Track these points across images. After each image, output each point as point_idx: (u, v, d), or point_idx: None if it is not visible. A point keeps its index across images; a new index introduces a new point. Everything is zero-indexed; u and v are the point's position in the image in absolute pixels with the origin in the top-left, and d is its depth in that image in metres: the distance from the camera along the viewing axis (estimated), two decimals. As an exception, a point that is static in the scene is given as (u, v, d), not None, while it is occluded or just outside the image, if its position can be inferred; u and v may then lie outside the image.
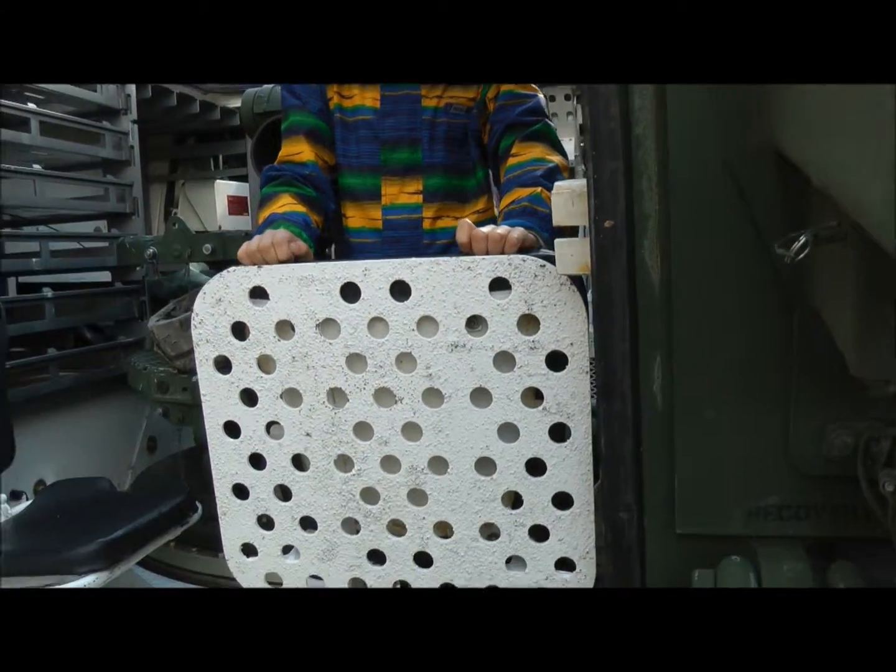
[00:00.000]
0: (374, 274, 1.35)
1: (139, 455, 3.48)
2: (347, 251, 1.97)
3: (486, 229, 1.42)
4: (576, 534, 1.39)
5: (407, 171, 1.90)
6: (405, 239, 1.91)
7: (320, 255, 1.90)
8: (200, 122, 4.21)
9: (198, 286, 2.86)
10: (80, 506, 2.32)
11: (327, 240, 2.02)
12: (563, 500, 1.38)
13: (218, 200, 4.34)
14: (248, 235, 2.64)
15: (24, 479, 2.81)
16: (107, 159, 3.47)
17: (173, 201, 4.60)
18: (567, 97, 3.74)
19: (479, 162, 1.95)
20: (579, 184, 1.17)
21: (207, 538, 2.61)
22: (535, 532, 1.41)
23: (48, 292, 3.03)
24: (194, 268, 3.37)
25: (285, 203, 1.81)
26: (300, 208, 1.80)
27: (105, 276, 3.54)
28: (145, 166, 4.36)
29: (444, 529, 1.45)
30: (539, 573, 1.42)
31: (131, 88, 3.51)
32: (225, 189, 4.41)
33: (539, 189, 1.70)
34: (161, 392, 2.69)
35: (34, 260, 3.08)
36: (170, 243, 2.75)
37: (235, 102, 4.07)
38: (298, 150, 1.93)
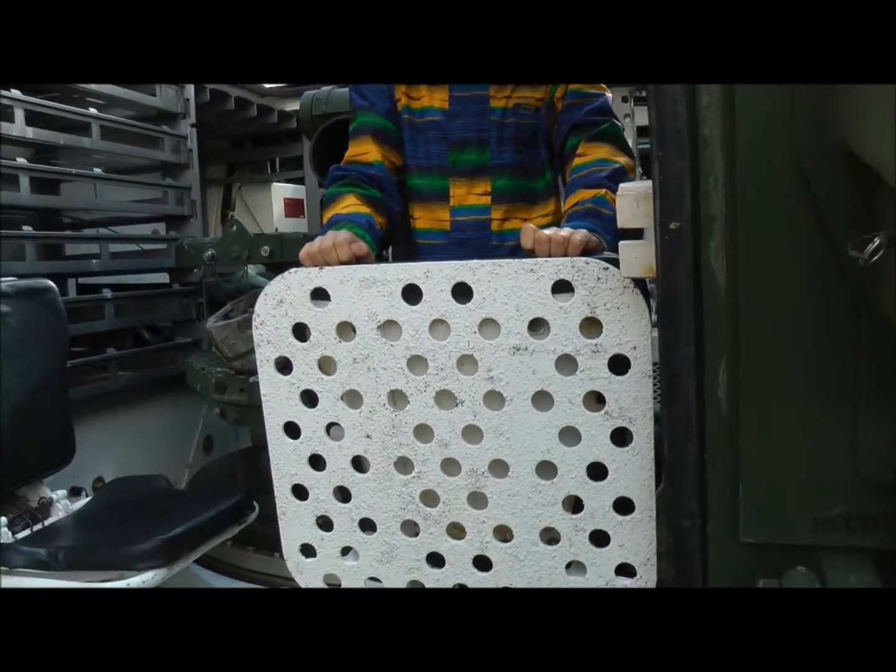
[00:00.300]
0: (436, 276, 1.37)
1: (195, 454, 3.56)
2: (414, 252, 1.99)
3: (548, 231, 1.43)
4: (637, 540, 1.39)
5: (475, 172, 1.92)
6: (473, 240, 1.92)
7: (381, 257, 1.92)
8: (257, 126, 4.28)
9: (255, 288, 2.93)
10: (138, 503, 2.37)
11: (387, 241, 2.04)
12: (624, 506, 1.39)
13: (275, 203, 4.41)
14: (305, 237, 2.69)
15: (84, 476, 2.88)
16: (165, 162, 3.54)
17: (230, 204, 4.67)
18: (624, 99, 3.73)
19: (549, 163, 1.96)
20: (644, 185, 1.18)
21: (264, 538, 2.67)
22: (596, 537, 1.42)
23: (108, 293, 3.10)
24: (252, 270, 3.43)
25: (349, 204, 1.83)
26: (364, 209, 1.82)
27: (163, 278, 3.61)
28: (203, 170, 4.44)
29: (503, 533, 1.47)
30: (599, 579, 1.43)
31: (190, 92, 3.58)
32: (281, 192, 4.48)
33: (603, 191, 1.70)
34: (218, 392, 2.74)
35: (94, 261, 3.16)
36: (228, 245, 2.80)
37: (293, 106, 4.14)
38: (365, 151, 1.95)
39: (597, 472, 1.38)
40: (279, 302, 1.48)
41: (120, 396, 3.21)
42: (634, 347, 1.30)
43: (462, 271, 1.35)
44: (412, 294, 1.40)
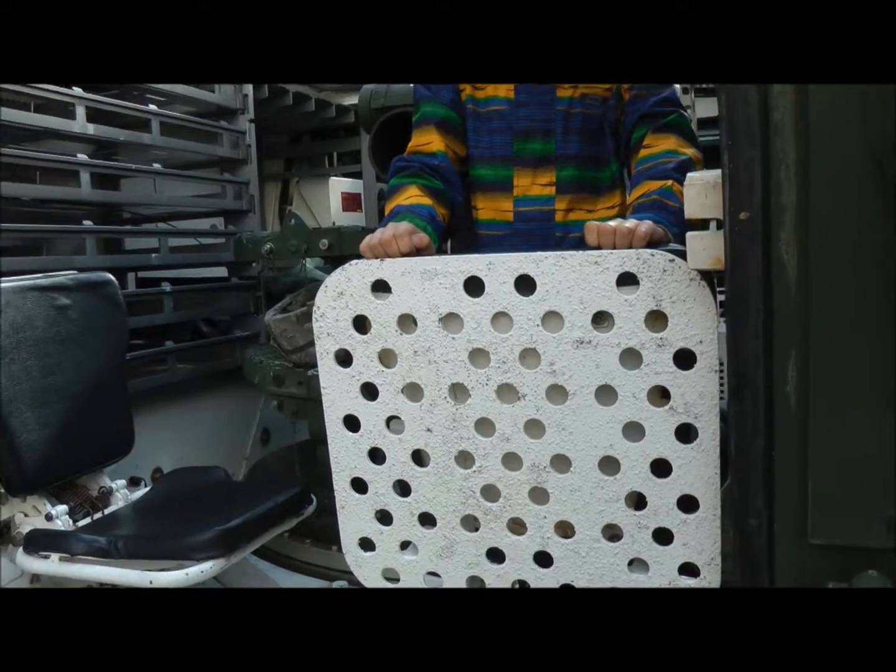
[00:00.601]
0: (499, 268, 1.38)
1: (253, 446, 3.62)
2: (475, 244, 1.99)
3: (613, 223, 1.43)
4: (701, 538, 1.39)
5: (540, 162, 1.92)
6: (536, 232, 1.92)
7: (442, 249, 1.94)
8: (315, 121, 4.33)
9: (313, 282, 2.96)
10: (196, 494, 2.42)
11: (449, 233, 2.05)
12: (688, 503, 1.38)
13: (332, 197, 4.46)
14: (364, 231, 2.72)
15: (143, 467, 2.95)
16: (224, 158, 3.61)
17: (288, 199, 4.73)
18: (685, 90, 3.70)
19: (615, 154, 1.96)
20: (713, 174, 1.18)
21: (321, 530, 2.72)
22: (659, 535, 1.41)
23: (167, 287, 3.17)
24: (310, 263, 3.48)
25: (411, 195, 1.85)
26: (426, 200, 1.84)
27: (221, 272, 3.68)
28: (261, 165, 4.51)
29: (565, 529, 1.47)
30: (662, 577, 1.43)
31: (248, 88, 3.64)
32: (339, 186, 4.52)
33: (670, 182, 1.69)
34: (276, 385, 2.77)
35: (153, 256, 3.23)
36: (286, 239, 2.83)
37: (351, 100, 4.18)
38: (428, 141, 1.97)
39: (661, 468, 1.38)
40: (339, 294, 1.50)
41: (178, 389, 3.28)
42: (700, 341, 1.29)
43: (525, 263, 1.36)
44: (474, 286, 1.41)
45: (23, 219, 2.94)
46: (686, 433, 1.35)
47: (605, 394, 1.37)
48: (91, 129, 2.86)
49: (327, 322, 1.53)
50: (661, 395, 1.35)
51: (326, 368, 1.56)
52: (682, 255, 1.26)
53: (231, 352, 3.54)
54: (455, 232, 2.07)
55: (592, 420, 1.38)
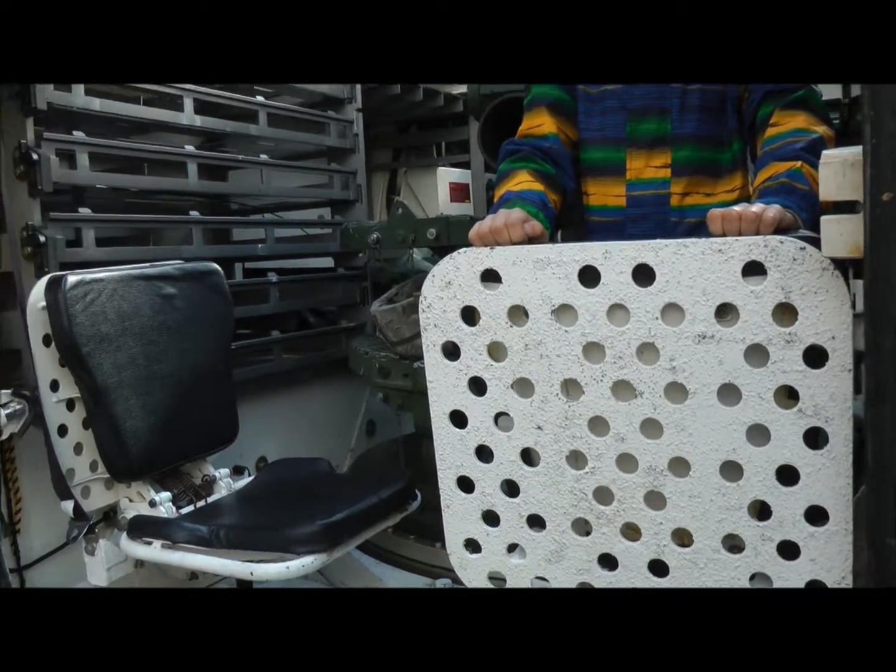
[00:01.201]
0: (616, 257, 1.34)
1: (358, 438, 3.66)
2: (586, 231, 1.96)
3: (738, 208, 1.38)
4: (830, 554, 1.32)
5: (654, 142, 1.88)
6: (651, 216, 1.88)
7: (554, 237, 1.91)
8: (423, 110, 4.34)
9: (420, 272, 2.97)
10: (300, 485, 2.44)
11: (561, 221, 2.01)
12: (817, 515, 1.32)
13: (440, 187, 4.45)
14: (472, 220, 2.71)
15: (248, 456, 3.01)
16: (331, 147, 3.65)
17: (395, 189, 4.76)
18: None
19: (737, 134, 1.89)
20: (852, 151, 1.12)
21: (425, 527, 2.72)
22: (784, 548, 1.35)
23: (273, 277, 3.22)
24: (417, 254, 3.49)
25: (522, 181, 1.83)
26: (538, 186, 1.82)
27: (329, 263, 3.73)
28: (369, 155, 4.55)
29: (682, 537, 1.43)
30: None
31: (357, 77, 3.66)
32: (447, 176, 4.51)
33: (799, 163, 1.62)
34: (382, 377, 2.79)
35: (259, 246, 3.28)
36: (394, 228, 2.84)
37: (459, 88, 4.18)
38: (539, 123, 1.96)
39: (787, 475, 1.32)
40: (447, 284, 1.49)
41: (284, 379, 3.35)
42: (833, 337, 1.23)
43: (644, 252, 1.32)
44: (589, 276, 1.37)
45: (130, 210, 3.04)
46: (815, 438, 1.30)
47: (728, 393, 1.32)
48: (198, 121, 2.93)
49: (434, 313, 1.52)
50: (788, 395, 1.29)
51: (433, 361, 1.55)
52: (815, 242, 1.21)
53: (337, 342, 3.58)
54: (568, 223, 2.04)
55: (714, 421, 1.33)
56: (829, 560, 1.33)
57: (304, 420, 3.50)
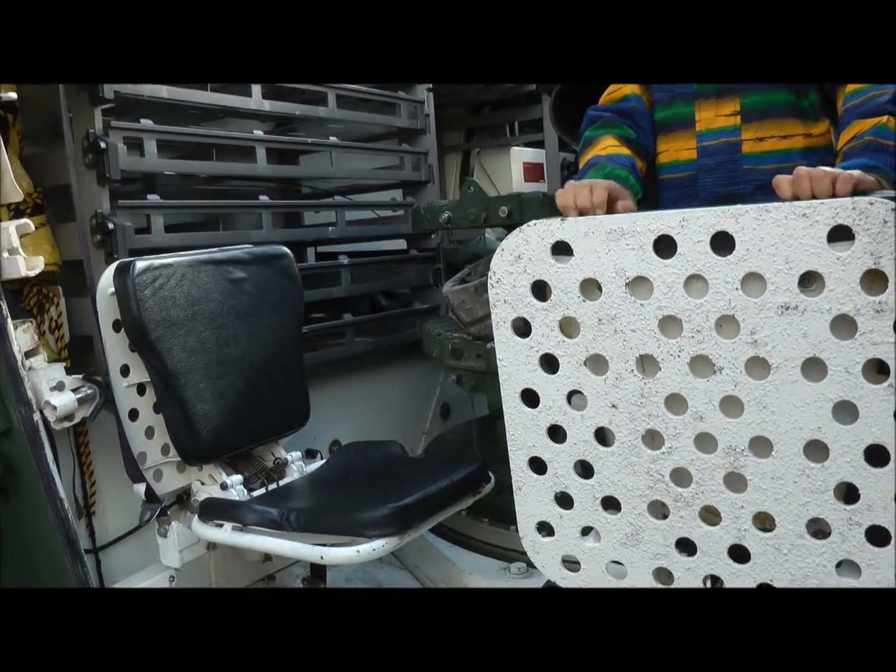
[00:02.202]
0: (693, 225, 1.28)
1: (432, 421, 3.63)
2: (657, 191, 1.96)
3: (805, 168, 1.32)
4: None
5: (721, 91, 1.85)
6: (723, 165, 1.86)
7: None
8: (496, 90, 4.28)
9: (493, 252, 2.92)
10: (372, 468, 2.42)
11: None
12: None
13: (514, 167, 4.41)
14: (545, 196, 2.66)
15: (321, 439, 3.03)
16: (402, 129, 3.62)
17: (469, 170, 4.71)
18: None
19: (816, 84, 1.82)
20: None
21: (499, 509, 2.68)
22: (874, 534, 1.28)
23: (344, 259, 3.21)
24: (490, 234, 3.44)
25: (608, 145, 1.84)
26: (625, 150, 1.83)
27: (402, 245, 3.71)
28: (442, 137, 4.51)
29: (764, 521, 1.36)
30: (876, 584, 1.29)
31: (427, 56, 3.62)
32: (520, 156, 4.46)
33: (885, 118, 1.56)
34: (455, 358, 2.75)
35: (330, 229, 3.27)
36: (465, 207, 2.80)
37: (531, 67, 4.11)
38: (620, 85, 1.97)
39: (877, 456, 1.24)
40: (517, 258, 1.45)
41: (357, 362, 3.34)
42: (928, 306, 1.16)
43: (723, 218, 1.26)
44: (665, 246, 1.32)
45: (199, 196, 3.05)
46: (908, 416, 1.22)
47: (814, 368, 1.25)
48: (267, 105, 2.92)
49: (504, 288, 1.48)
50: (878, 369, 1.22)
51: (503, 339, 1.51)
52: (907, 202, 1.14)
53: (411, 325, 3.55)
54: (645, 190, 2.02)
55: (798, 398, 1.26)
56: (923, 546, 1.26)
57: (378, 403, 3.48)
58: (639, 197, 1.79)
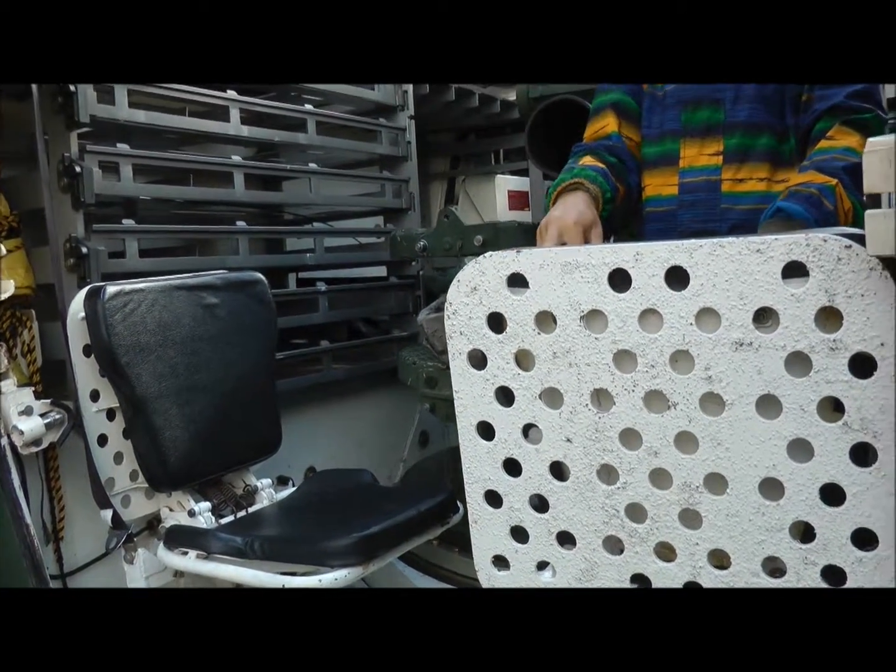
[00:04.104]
0: (648, 258, 1.23)
1: (410, 448, 3.56)
2: (641, 222, 1.99)
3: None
4: (880, 582, 1.19)
5: (708, 131, 1.87)
6: (701, 202, 1.87)
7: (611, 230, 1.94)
8: (480, 117, 4.26)
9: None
10: (341, 497, 2.37)
11: (622, 216, 2.05)
12: (865, 539, 1.18)
13: (498, 195, 4.37)
14: (520, 226, 2.62)
15: (296, 466, 2.96)
16: (383, 156, 3.58)
17: (454, 198, 4.68)
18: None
19: (793, 130, 1.84)
20: (901, 139, 1.01)
21: (470, 539, 2.61)
22: (830, 574, 1.22)
23: (321, 286, 3.16)
24: (469, 262, 3.39)
25: (585, 161, 1.89)
26: (601, 165, 1.87)
27: (382, 272, 3.67)
28: (427, 164, 4.47)
29: (719, 559, 1.30)
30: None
31: (408, 85, 3.60)
32: (505, 184, 4.43)
33: (835, 182, 1.57)
34: (429, 387, 2.70)
35: (308, 255, 3.22)
36: (441, 236, 2.75)
37: (514, 95, 4.09)
38: (604, 124, 2.01)
39: (832, 495, 1.19)
40: (473, 289, 1.39)
41: (336, 388, 3.28)
42: (882, 344, 1.10)
43: (677, 253, 1.21)
44: (620, 280, 1.27)
45: (178, 220, 3.00)
46: (863, 454, 1.16)
47: (768, 405, 1.19)
48: (245, 131, 2.87)
49: (460, 320, 1.42)
50: (833, 407, 1.16)
51: (459, 370, 1.45)
52: (861, 240, 1.09)
53: (389, 352, 3.50)
54: (626, 224, 2.06)
55: (752, 435, 1.21)
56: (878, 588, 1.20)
57: (355, 430, 3.43)
58: (608, 196, 1.83)
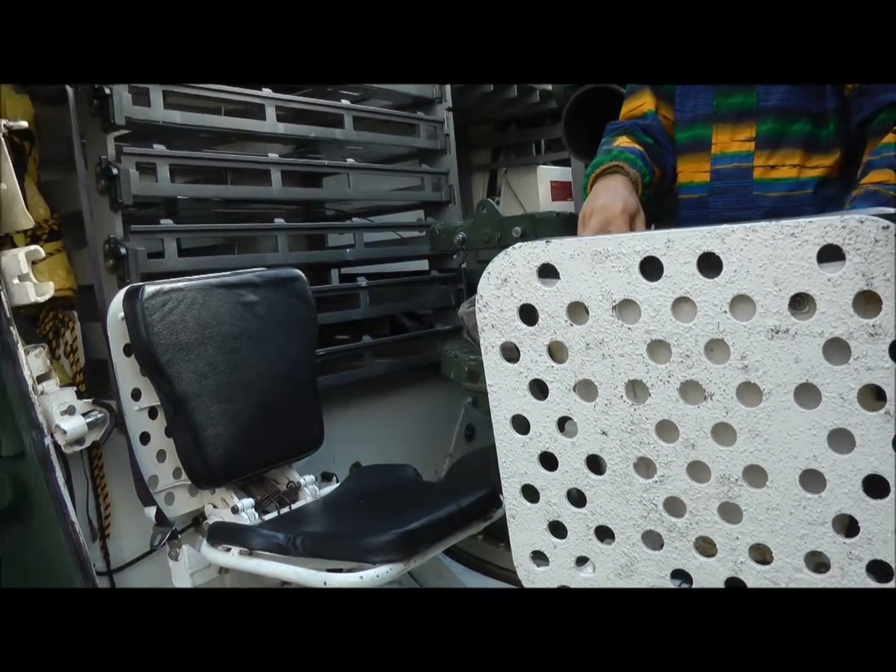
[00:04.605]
0: (679, 245, 1.19)
1: (456, 442, 3.54)
2: (674, 208, 1.97)
3: None
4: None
5: (740, 116, 1.82)
6: (733, 189, 1.83)
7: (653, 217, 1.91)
8: (520, 107, 4.22)
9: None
10: (383, 492, 2.36)
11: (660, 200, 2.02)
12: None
13: (540, 186, 4.33)
14: (559, 216, 2.58)
15: (341, 462, 2.94)
16: (422, 149, 3.56)
17: (496, 190, 4.64)
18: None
19: (835, 114, 1.77)
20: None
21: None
22: (876, 568, 1.17)
23: (362, 282, 3.15)
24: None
25: (621, 142, 1.86)
26: (637, 147, 1.84)
27: (424, 265, 3.64)
28: (468, 156, 4.44)
29: (761, 553, 1.27)
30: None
31: (446, 76, 3.56)
32: (547, 174, 4.38)
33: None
34: (471, 380, 2.67)
35: (347, 251, 3.21)
36: (479, 228, 2.73)
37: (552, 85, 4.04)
38: (640, 103, 1.98)
39: (876, 487, 1.14)
40: (503, 281, 1.37)
41: (379, 383, 3.27)
42: (925, 328, 1.06)
43: (709, 239, 1.17)
44: (652, 268, 1.23)
45: (213, 220, 3.01)
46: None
47: (807, 394, 1.15)
48: (282, 128, 2.87)
49: (491, 312, 1.40)
50: (875, 395, 1.12)
51: (492, 364, 1.43)
52: (897, 220, 1.04)
53: (432, 346, 3.48)
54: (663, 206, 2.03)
55: (791, 425, 1.17)
56: (928, 580, 1.15)
57: (400, 425, 3.41)
58: (647, 179, 1.80)
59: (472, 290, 3.25)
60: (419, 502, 2.21)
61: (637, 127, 1.94)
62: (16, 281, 2.12)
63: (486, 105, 4.07)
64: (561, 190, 4.45)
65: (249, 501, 2.23)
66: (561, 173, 4.45)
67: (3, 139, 2.15)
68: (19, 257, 2.11)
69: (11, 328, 2.10)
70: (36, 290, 2.13)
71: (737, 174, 1.83)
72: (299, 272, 2.49)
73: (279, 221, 2.87)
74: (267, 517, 2.24)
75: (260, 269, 2.47)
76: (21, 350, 2.12)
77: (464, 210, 3.86)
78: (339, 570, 1.94)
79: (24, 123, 2.21)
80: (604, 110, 2.24)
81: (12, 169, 2.16)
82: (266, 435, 2.32)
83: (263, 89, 2.78)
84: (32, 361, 2.16)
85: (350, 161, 3.19)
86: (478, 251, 2.98)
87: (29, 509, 2.20)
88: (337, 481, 2.53)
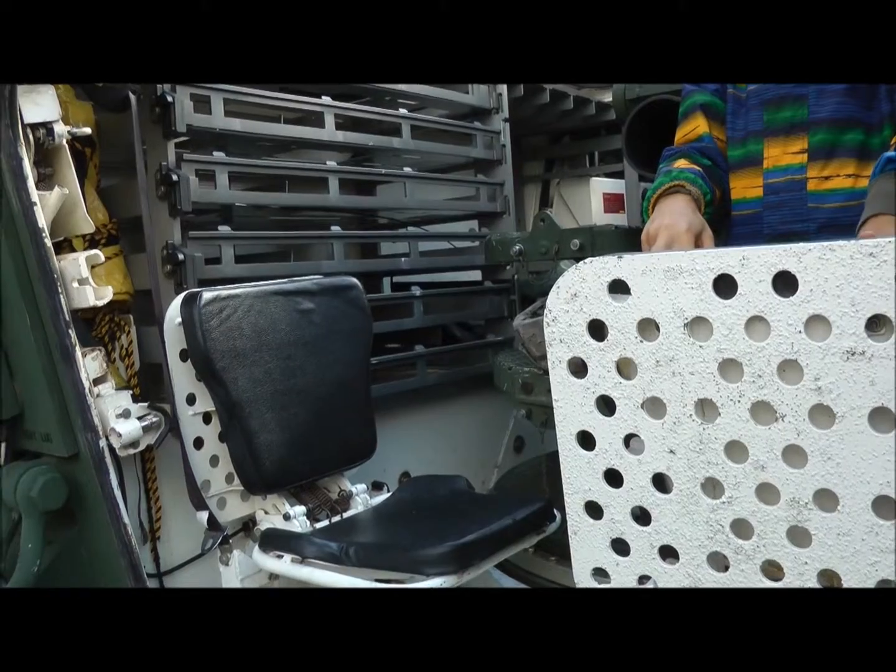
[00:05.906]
0: (754, 263, 1.20)
1: (505, 454, 3.55)
2: (728, 225, 1.98)
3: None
4: None
5: (791, 129, 1.83)
6: (787, 203, 1.84)
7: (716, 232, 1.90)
8: (575, 119, 4.24)
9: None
10: (435, 504, 2.38)
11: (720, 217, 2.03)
12: None
13: (593, 198, 4.35)
14: (617, 229, 2.60)
15: (391, 471, 3.00)
16: (478, 159, 3.59)
17: (548, 201, 4.67)
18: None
19: (889, 119, 1.77)
20: None
21: (568, 547, 2.59)
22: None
23: (416, 291, 3.18)
24: (565, 266, 3.38)
25: (680, 164, 1.89)
26: (697, 168, 1.87)
27: (477, 276, 3.67)
28: (521, 167, 4.46)
29: (831, 579, 1.27)
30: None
31: (502, 87, 3.60)
32: (600, 186, 4.40)
33: None
34: (525, 393, 2.68)
35: (402, 259, 3.25)
36: (537, 240, 2.74)
37: (610, 97, 4.05)
38: (694, 126, 2.01)
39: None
40: (573, 296, 1.39)
41: (431, 393, 3.30)
42: None
43: (785, 257, 1.18)
44: (725, 286, 1.24)
45: (270, 227, 3.05)
46: None
47: (881, 417, 1.15)
48: (340, 136, 2.91)
49: (560, 327, 1.42)
50: (954, 422, 1.13)
51: (559, 379, 1.45)
52: None
53: (484, 357, 3.49)
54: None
55: (865, 449, 1.17)
56: None
57: (449, 435, 3.43)
58: (708, 198, 1.84)
59: (525, 301, 3.30)
60: (473, 514, 2.23)
61: (694, 150, 1.98)
62: (75, 284, 2.17)
63: (541, 116, 4.10)
64: (614, 202, 4.47)
65: (301, 509, 2.26)
66: (613, 185, 4.47)
67: (66, 145, 2.21)
68: (80, 261, 2.16)
69: (70, 331, 2.15)
70: (95, 294, 2.17)
71: (790, 187, 1.84)
72: (356, 280, 2.53)
73: (336, 229, 2.91)
74: (318, 525, 2.27)
75: (316, 276, 2.51)
76: (78, 353, 2.17)
77: (517, 221, 3.88)
78: (389, 581, 1.97)
79: (88, 130, 2.27)
80: (664, 124, 2.25)
81: (75, 174, 2.22)
82: (319, 443, 2.35)
83: (323, 97, 2.83)
84: (89, 364, 2.21)
85: (407, 170, 3.23)
86: (530, 263, 3.00)
87: (82, 510, 2.25)
88: (388, 490, 2.56)
